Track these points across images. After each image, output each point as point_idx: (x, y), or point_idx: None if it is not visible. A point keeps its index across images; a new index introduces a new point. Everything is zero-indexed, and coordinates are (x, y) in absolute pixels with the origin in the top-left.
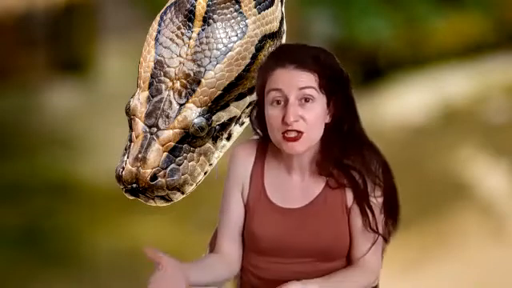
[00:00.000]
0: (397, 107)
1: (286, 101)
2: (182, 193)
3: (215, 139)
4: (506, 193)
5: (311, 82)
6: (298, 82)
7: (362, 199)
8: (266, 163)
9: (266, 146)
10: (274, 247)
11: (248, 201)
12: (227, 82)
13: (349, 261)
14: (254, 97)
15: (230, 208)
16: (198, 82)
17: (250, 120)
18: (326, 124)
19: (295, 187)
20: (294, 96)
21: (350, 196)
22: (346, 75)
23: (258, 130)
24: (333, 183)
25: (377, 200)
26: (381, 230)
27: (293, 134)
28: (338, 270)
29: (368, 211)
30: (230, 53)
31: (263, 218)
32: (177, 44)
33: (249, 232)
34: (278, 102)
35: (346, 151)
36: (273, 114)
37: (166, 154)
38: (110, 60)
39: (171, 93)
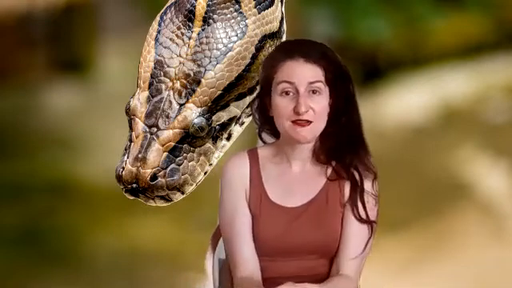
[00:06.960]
0: (397, 107)
1: (296, 92)
2: (182, 193)
3: (215, 139)
4: (506, 193)
5: (319, 76)
6: (308, 75)
7: (356, 192)
8: (262, 166)
9: (255, 153)
10: (278, 248)
11: (250, 206)
12: (227, 82)
13: (335, 257)
14: (254, 97)
15: (243, 221)
16: (198, 82)
17: (252, 112)
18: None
19: (296, 180)
20: (304, 88)
21: (347, 190)
22: (347, 70)
23: (258, 122)
24: (332, 176)
25: (374, 191)
26: (374, 219)
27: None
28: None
29: (359, 204)
30: (229, 53)
31: (267, 221)
32: (177, 44)
33: (253, 236)
34: (287, 93)
35: (343, 143)
36: (282, 103)
37: (165, 154)
38: (109, 60)
39: (171, 93)
